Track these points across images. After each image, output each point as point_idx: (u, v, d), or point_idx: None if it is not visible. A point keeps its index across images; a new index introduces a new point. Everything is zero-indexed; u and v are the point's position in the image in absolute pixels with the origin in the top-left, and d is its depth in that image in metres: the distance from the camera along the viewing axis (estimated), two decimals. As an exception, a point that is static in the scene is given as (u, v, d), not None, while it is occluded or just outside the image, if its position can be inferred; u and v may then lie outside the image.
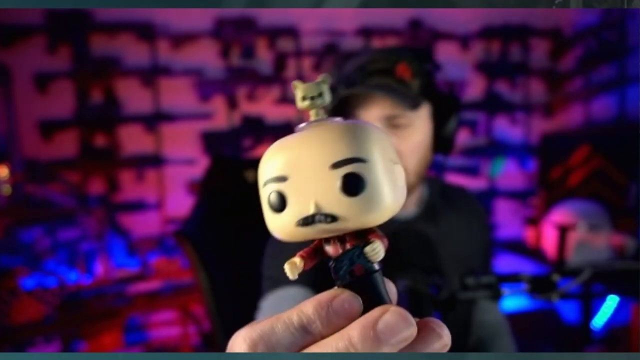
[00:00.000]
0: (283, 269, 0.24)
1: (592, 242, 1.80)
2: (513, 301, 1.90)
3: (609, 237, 1.81)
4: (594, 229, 1.82)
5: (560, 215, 1.93)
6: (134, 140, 2.16)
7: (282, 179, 0.23)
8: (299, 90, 0.25)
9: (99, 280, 1.95)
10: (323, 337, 0.23)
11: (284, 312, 0.24)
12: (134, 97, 2.16)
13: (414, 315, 0.23)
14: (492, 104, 2.59)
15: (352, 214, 0.23)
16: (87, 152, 2.11)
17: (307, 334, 0.23)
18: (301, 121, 0.26)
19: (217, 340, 0.99)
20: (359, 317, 0.23)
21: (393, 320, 0.22)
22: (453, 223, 0.85)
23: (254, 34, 2.27)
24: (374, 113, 0.72)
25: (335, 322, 0.23)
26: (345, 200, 0.23)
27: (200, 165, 1.97)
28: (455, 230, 0.84)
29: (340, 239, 0.24)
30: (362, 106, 0.73)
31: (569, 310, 1.72)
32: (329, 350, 0.22)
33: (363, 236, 0.24)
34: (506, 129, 2.62)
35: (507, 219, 2.58)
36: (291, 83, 0.25)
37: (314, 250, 0.25)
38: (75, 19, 2.05)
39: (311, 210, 0.23)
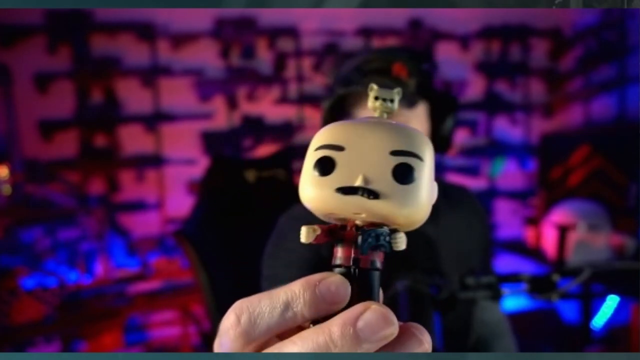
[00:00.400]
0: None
1: (592, 242, 1.80)
2: (513, 301, 1.90)
3: (609, 237, 1.81)
4: (593, 229, 1.82)
5: (560, 215, 1.93)
6: (134, 140, 2.16)
7: (338, 147, 0.24)
8: (374, 92, 0.26)
9: (99, 280, 1.95)
10: (305, 319, 0.23)
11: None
12: (134, 97, 2.16)
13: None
14: (492, 104, 2.59)
15: (392, 200, 0.23)
16: (87, 152, 2.11)
17: (288, 311, 0.23)
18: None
19: (217, 340, 0.99)
20: (345, 305, 0.23)
21: (374, 318, 0.22)
22: (453, 223, 0.85)
23: (254, 34, 2.27)
24: (370, 112, 0.73)
25: (319, 304, 0.23)
26: (393, 184, 0.24)
27: (200, 165, 1.97)
28: (456, 230, 0.84)
29: (358, 227, 0.25)
30: (359, 105, 0.73)
31: (569, 310, 1.72)
32: (309, 344, 0.22)
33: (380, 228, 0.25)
34: (506, 129, 2.62)
35: (507, 219, 2.58)
36: (369, 85, 0.26)
37: (329, 229, 0.25)
38: (75, 19, 2.05)
39: (358, 182, 0.23)
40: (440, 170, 2.39)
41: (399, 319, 0.23)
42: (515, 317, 1.85)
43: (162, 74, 2.17)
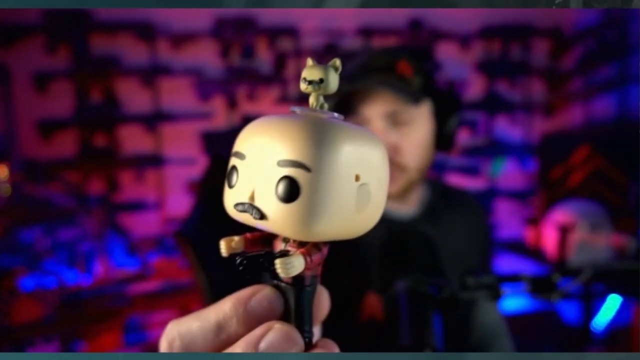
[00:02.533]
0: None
1: (592, 242, 1.80)
2: (513, 301, 1.90)
3: (610, 237, 1.81)
4: (594, 229, 1.82)
5: (560, 215, 1.92)
6: (133, 140, 2.16)
7: (241, 155, 0.23)
8: (304, 71, 0.23)
9: (99, 280, 1.95)
10: (239, 337, 0.22)
11: (207, 308, 0.23)
12: (134, 97, 2.15)
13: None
14: (492, 104, 2.59)
15: (280, 219, 0.21)
16: (87, 152, 2.11)
17: (221, 332, 0.22)
18: None
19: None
20: (279, 317, 0.22)
21: (276, 339, 0.21)
22: (453, 223, 0.85)
23: (254, 34, 2.26)
24: (376, 109, 0.73)
25: (251, 321, 0.22)
26: (276, 202, 0.21)
27: (200, 165, 1.96)
28: (456, 230, 0.84)
29: (285, 239, 0.23)
30: (364, 103, 0.73)
31: (569, 311, 1.72)
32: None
33: (304, 245, 0.22)
34: (506, 129, 2.62)
35: (507, 219, 2.58)
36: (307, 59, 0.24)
37: (262, 237, 0.24)
38: (75, 19, 2.05)
39: (246, 198, 0.22)
40: (440, 170, 2.39)
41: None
42: (516, 318, 1.85)
43: (162, 73, 2.17)
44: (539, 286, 0.65)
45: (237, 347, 0.21)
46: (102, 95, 2.13)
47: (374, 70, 0.73)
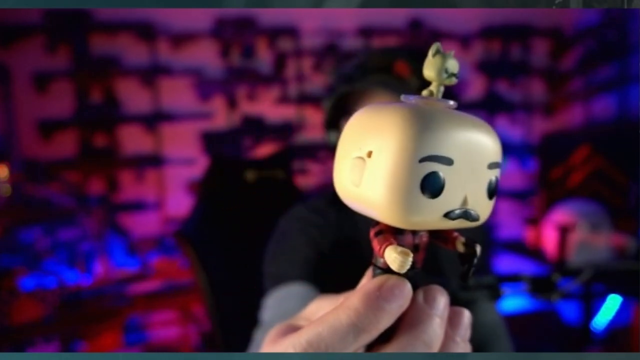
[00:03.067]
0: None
1: (592, 242, 1.80)
2: (513, 301, 1.90)
3: (610, 237, 1.81)
4: (594, 229, 1.82)
5: (560, 215, 1.92)
6: (134, 140, 2.16)
7: (448, 161, 0.21)
8: (441, 60, 0.23)
9: (99, 280, 1.95)
10: (378, 332, 0.22)
11: (327, 312, 0.22)
12: (134, 97, 2.15)
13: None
14: (492, 104, 2.59)
15: (483, 217, 0.23)
16: (86, 152, 2.11)
17: (360, 332, 0.21)
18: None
19: (217, 340, 0.99)
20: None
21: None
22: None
23: (254, 34, 2.26)
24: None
25: (388, 312, 0.21)
26: (486, 202, 0.22)
27: (200, 165, 1.96)
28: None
29: (414, 231, 0.24)
30: (362, 103, 0.73)
31: (569, 311, 1.72)
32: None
33: (436, 231, 0.24)
34: (506, 129, 2.62)
35: (507, 219, 2.58)
36: (434, 45, 0.23)
37: (391, 235, 0.23)
38: (75, 19, 2.05)
39: (463, 204, 0.21)
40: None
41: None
42: (516, 318, 1.85)
43: (162, 73, 2.17)
44: (539, 286, 0.65)
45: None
46: (102, 95, 2.13)
47: (371, 70, 0.73)
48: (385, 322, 0.21)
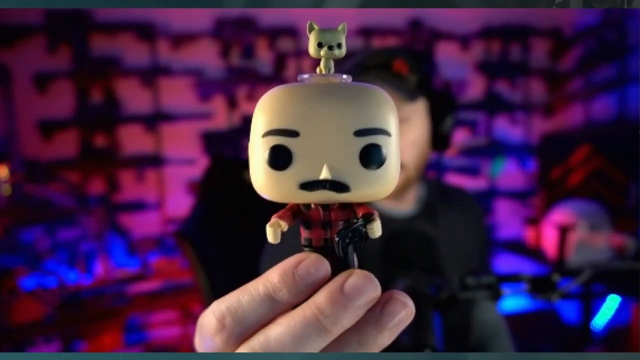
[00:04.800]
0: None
1: (592, 242, 1.80)
2: (513, 301, 1.90)
3: (609, 237, 1.81)
4: (594, 229, 1.82)
5: (560, 215, 1.93)
6: (134, 140, 2.16)
7: (292, 133, 0.21)
8: (315, 35, 0.22)
9: (99, 280, 1.95)
10: (293, 306, 0.22)
11: (249, 283, 0.23)
12: (134, 97, 2.16)
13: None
14: (492, 104, 2.59)
15: (363, 187, 0.22)
16: (87, 152, 2.11)
17: (275, 303, 0.22)
18: None
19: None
20: (328, 281, 0.22)
21: (359, 281, 0.21)
22: (452, 222, 0.85)
23: (254, 34, 2.27)
24: None
25: (302, 288, 0.22)
26: (361, 171, 0.21)
27: (200, 165, 1.97)
28: (454, 229, 0.84)
29: (324, 205, 0.23)
30: None
31: (569, 310, 1.72)
32: (296, 321, 0.21)
33: (348, 207, 0.23)
34: (506, 129, 2.62)
35: (507, 219, 2.58)
36: (307, 23, 0.23)
37: (292, 212, 0.23)
38: (75, 19, 2.05)
39: (323, 175, 0.21)
40: (440, 170, 2.39)
41: None
42: (516, 317, 1.85)
43: (162, 74, 2.17)
44: (539, 286, 0.66)
45: (321, 296, 0.21)
46: (102, 95, 2.13)
47: (370, 68, 0.73)
48: (300, 296, 0.22)
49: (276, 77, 2.31)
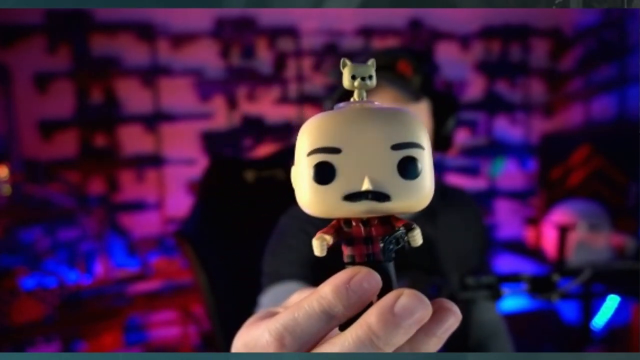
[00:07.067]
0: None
1: (592, 242, 1.80)
2: (513, 301, 1.90)
3: (609, 237, 1.81)
4: (594, 229, 1.82)
5: (560, 215, 1.92)
6: (134, 140, 2.16)
7: (334, 150, 0.23)
8: (348, 69, 0.25)
9: (99, 280, 1.95)
10: (345, 319, 0.23)
11: (301, 299, 0.23)
12: (134, 97, 2.16)
13: None
14: (492, 104, 2.59)
15: (403, 197, 0.23)
16: (87, 152, 2.11)
17: (330, 318, 0.23)
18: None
19: (217, 340, 0.99)
20: (379, 294, 0.23)
21: (409, 302, 0.22)
22: (452, 223, 0.85)
23: (254, 34, 2.27)
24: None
25: (356, 302, 0.23)
26: (400, 182, 0.23)
27: (200, 165, 1.97)
28: (454, 230, 0.84)
29: (365, 222, 0.25)
30: None
31: (569, 310, 1.72)
32: (350, 341, 0.22)
33: (388, 222, 0.25)
34: (506, 129, 2.62)
35: (507, 219, 2.58)
36: (341, 60, 0.25)
37: (334, 230, 0.25)
38: (75, 19, 2.05)
39: (365, 186, 0.23)
40: (440, 170, 2.39)
41: None
42: (516, 317, 1.86)
43: (162, 74, 2.17)
44: (539, 286, 0.66)
45: (371, 316, 0.22)
46: (102, 95, 2.13)
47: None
48: (354, 310, 0.23)
49: (276, 77, 2.31)
